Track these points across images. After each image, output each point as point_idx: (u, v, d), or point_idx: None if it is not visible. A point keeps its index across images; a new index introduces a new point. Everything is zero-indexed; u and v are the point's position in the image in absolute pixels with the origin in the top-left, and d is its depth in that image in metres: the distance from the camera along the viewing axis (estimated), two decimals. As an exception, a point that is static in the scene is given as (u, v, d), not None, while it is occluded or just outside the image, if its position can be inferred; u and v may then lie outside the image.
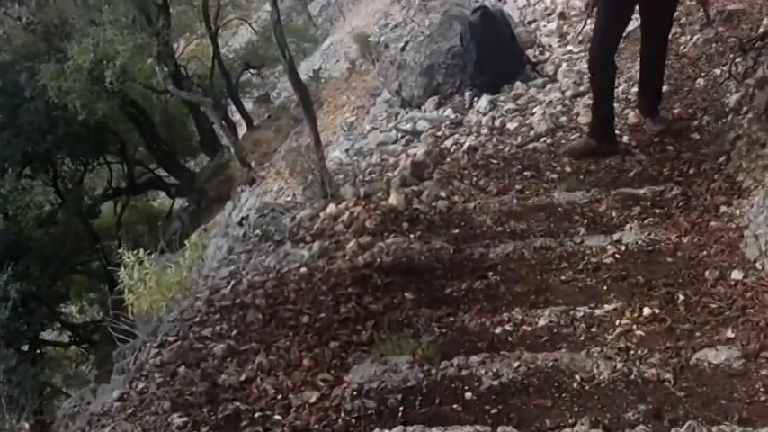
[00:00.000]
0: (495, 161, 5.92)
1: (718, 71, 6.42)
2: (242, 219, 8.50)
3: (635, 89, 6.69)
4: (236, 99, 16.94)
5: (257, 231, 5.54)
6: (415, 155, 6.16)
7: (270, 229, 5.50)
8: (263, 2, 25.93)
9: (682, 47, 7.15)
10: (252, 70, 18.19)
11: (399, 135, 6.82)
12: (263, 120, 16.87)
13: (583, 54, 7.56)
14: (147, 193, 19.52)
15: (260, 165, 11.77)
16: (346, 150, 7.05)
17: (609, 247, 4.48)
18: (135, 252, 6.06)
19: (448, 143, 6.36)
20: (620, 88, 6.76)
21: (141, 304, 5.61)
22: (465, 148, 6.13)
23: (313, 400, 3.52)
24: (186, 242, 6.73)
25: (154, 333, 4.32)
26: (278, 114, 15.29)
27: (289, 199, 6.93)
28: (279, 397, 3.58)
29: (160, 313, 5.06)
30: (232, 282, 4.69)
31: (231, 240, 6.14)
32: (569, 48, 7.81)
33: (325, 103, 12.07)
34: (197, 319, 4.28)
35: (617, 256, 4.39)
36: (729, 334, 3.49)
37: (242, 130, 16.94)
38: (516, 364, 3.44)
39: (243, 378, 3.71)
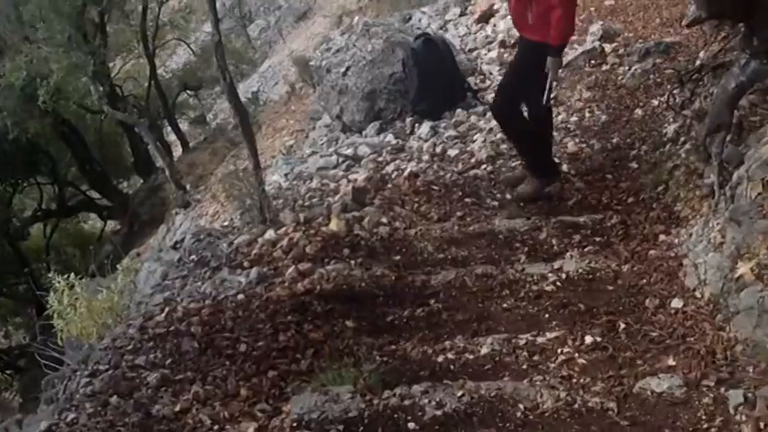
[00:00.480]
0: (436, 187, 5.90)
1: (655, 102, 6.53)
2: (176, 243, 8.33)
3: (574, 118, 6.77)
4: (172, 120, 16.73)
5: (193, 256, 5.40)
6: (356, 180, 6.10)
7: (206, 254, 5.36)
8: (202, 23, 25.79)
9: (620, 77, 7.26)
10: (189, 91, 17.99)
11: (340, 160, 6.75)
12: (199, 142, 16.68)
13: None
14: (78, 215, 19.09)
15: (195, 188, 11.59)
16: (285, 174, 6.96)
17: (550, 274, 4.48)
18: (65, 276, 5.86)
19: (389, 169, 6.32)
20: (560, 117, 6.83)
21: (71, 330, 5.43)
22: (406, 173, 6.10)
23: (251, 431, 3.41)
24: (118, 266, 6.54)
25: (85, 361, 4.16)
26: (214, 137, 15.13)
27: (226, 223, 6.80)
28: (215, 428, 3.46)
29: (91, 340, 4.89)
30: (167, 308, 4.54)
31: (166, 265, 5.98)
32: (509, 76, 7.85)
33: (263, 126, 11.97)
34: (130, 347, 4.13)
35: (558, 283, 4.39)
36: (671, 362, 3.50)
37: (177, 151, 16.71)
38: (460, 394, 3.39)
39: (178, 408, 3.58)
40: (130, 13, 14.75)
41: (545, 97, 5.33)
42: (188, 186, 11.71)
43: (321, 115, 9.05)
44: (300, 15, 26.89)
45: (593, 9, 9.19)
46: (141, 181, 16.97)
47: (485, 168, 6.10)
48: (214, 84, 18.06)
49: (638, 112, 6.55)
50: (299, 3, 28.03)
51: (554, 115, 6.85)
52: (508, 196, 5.67)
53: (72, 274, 5.88)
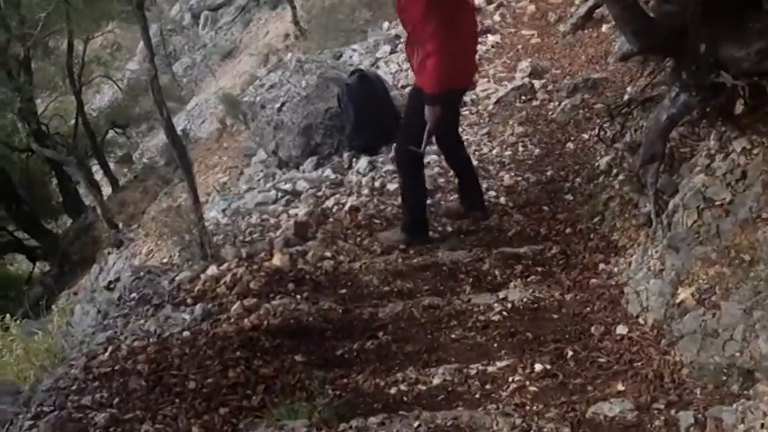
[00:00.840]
0: (377, 221, 5.94)
1: (586, 135, 6.72)
2: (110, 283, 8.17)
3: (508, 152, 6.92)
4: (100, 158, 16.41)
5: (134, 294, 5.30)
6: (296, 215, 6.10)
7: (147, 291, 5.27)
8: (128, 60, 25.52)
9: (550, 112, 7.44)
10: (117, 129, 17.74)
11: (279, 195, 6.73)
12: (129, 180, 16.42)
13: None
14: (4, 257, 18.51)
15: (128, 226, 11.40)
16: (223, 210, 6.90)
17: (495, 304, 4.55)
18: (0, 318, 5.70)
19: (329, 203, 6.33)
20: (494, 151, 6.96)
21: (8, 373, 5.26)
22: (347, 208, 6.12)
23: (206, 469, 3.36)
24: (54, 307, 6.38)
25: (26, 404, 4.03)
26: (145, 175, 14.92)
27: (165, 260, 6.70)
28: (169, 467, 3.40)
29: (29, 382, 4.74)
30: (110, 347, 4.45)
31: (105, 304, 5.86)
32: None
33: (195, 164, 11.85)
34: (74, 388, 4.03)
35: (504, 313, 4.46)
36: (620, 387, 3.58)
37: (107, 190, 16.41)
38: (416, 424, 3.40)
39: (128, 449, 3.50)
40: (55, 49, 14.52)
41: (423, 145, 5.30)
42: (120, 225, 11.51)
43: (255, 151, 9.01)
44: (226, 53, 26.85)
45: (520, 47, 9.43)
46: (70, 221, 16.56)
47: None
48: (141, 122, 17.88)
49: (570, 145, 6.73)
50: (225, 41, 28.02)
51: (489, 150, 7.03)
52: (449, 228, 5.75)
53: (8, 316, 5.72)
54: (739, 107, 4.34)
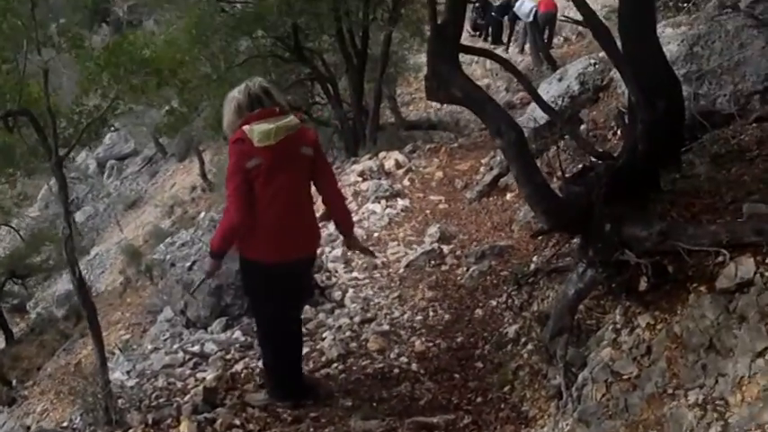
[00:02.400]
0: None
1: (494, 302, 6.86)
2: (-1, 445, 7.71)
3: (419, 317, 6.98)
4: (-5, 310, 15.86)
5: (28, 462, 5.02)
6: (204, 379, 5.95)
7: (44, 459, 5.01)
8: (28, 207, 25.00)
9: (459, 278, 7.61)
10: (15, 279, 17.21)
11: (186, 357, 6.55)
12: (25, 333, 15.79)
13: (368, 281, 7.85)
14: None
15: (21, 383, 10.86)
16: (128, 372, 6.67)
17: (409, 477, 4.49)
18: None
19: (238, 367, 6.20)
20: (406, 316, 7.02)
21: None
22: (257, 373, 6.01)
23: None
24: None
25: None
26: (42, 328, 14.37)
27: (64, 424, 6.37)
28: None
29: None
30: None
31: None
32: (355, 274, 8.07)
33: (96, 319, 11.53)
34: None
35: (418, 487, 4.39)
36: None
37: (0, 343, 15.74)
38: None
39: None
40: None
41: (193, 288, 5.36)
42: (13, 381, 10.97)
43: (161, 309, 8.85)
44: (130, 204, 26.75)
45: (428, 212, 9.73)
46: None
47: (335, 367, 6.11)
48: (40, 271, 17.41)
49: (479, 311, 6.84)
50: (130, 191, 27.94)
51: (400, 314, 7.09)
52: (362, 395, 5.68)
53: None
54: (643, 284, 4.53)
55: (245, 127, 4.65)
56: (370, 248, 6.88)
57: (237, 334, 6.93)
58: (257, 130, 4.62)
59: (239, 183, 4.67)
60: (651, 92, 4.82)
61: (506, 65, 5.56)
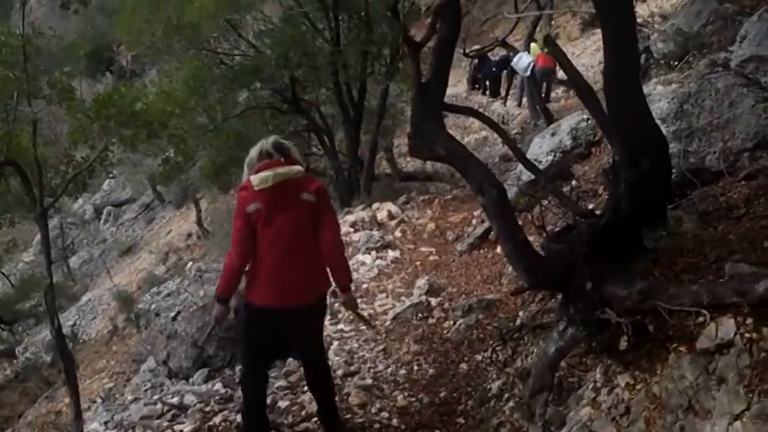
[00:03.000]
0: (266, 442, 5.73)
1: (479, 357, 6.78)
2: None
3: (403, 371, 6.90)
4: (-17, 358, 15.76)
5: None
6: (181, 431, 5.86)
7: None
8: (23, 251, 24.98)
9: (446, 331, 7.54)
10: (3, 326, 17.11)
11: (165, 409, 6.46)
12: (9, 379, 15.65)
13: (353, 333, 7.77)
14: None
15: (1, 431, 10.72)
16: (105, 423, 6.57)
17: None
18: None
19: (217, 419, 6.10)
20: (389, 369, 6.94)
21: None
22: (235, 426, 5.92)
23: None
24: None
25: None
26: (26, 374, 14.25)
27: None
28: None
29: None
30: None
31: None
32: (341, 326, 8.00)
33: (81, 366, 11.44)
34: None
35: None
36: None
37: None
38: None
39: None
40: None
41: (203, 337, 5.37)
42: (-6, 430, 10.85)
43: (145, 358, 8.77)
44: (126, 250, 26.74)
45: (418, 263, 9.69)
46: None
47: (316, 422, 6.02)
48: (28, 317, 17.32)
49: (464, 366, 6.76)
50: (126, 237, 27.95)
51: (384, 367, 7.01)
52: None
53: None
54: (623, 343, 4.48)
55: (252, 176, 4.89)
56: (366, 316, 6.74)
57: (218, 386, 6.85)
58: (257, 178, 4.84)
59: (241, 226, 4.87)
60: (635, 151, 4.82)
61: (491, 124, 5.59)
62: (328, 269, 5.18)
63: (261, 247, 4.88)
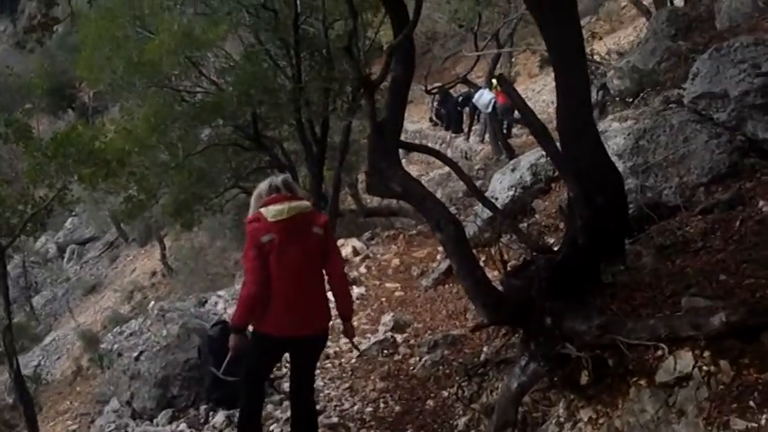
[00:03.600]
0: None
1: (446, 393, 6.79)
2: None
3: (369, 409, 6.90)
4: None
5: None
6: (145, 475, 5.81)
7: None
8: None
9: (412, 368, 7.54)
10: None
11: (129, 451, 6.44)
12: (-34, 422, 15.33)
13: (319, 371, 7.74)
14: None
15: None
16: (69, 467, 6.52)
17: None
18: None
19: (182, 461, 6.09)
20: (356, 407, 6.93)
21: None
22: (199, 467, 5.89)
23: None
24: None
25: None
26: (-14, 417, 13.96)
27: None
28: None
29: None
30: None
31: None
32: (305, 364, 7.97)
33: (45, 408, 11.27)
34: None
35: None
36: None
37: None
38: None
39: None
40: None
41: (221, 368, 5.57)
42: (-50, 477, 10.61)
43: (109, 398, 8.68)
44: (90, 288, 26.45)
45: (384, 299, 9.70)
46: None
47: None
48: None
49: (430, 402, 6.77)
50: (90, 276, 27.66)
51: (350, 405, 7.00)
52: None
53: None
54: (585, 378, 4.55)
55: (261, 209, 5.05)
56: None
57: (183, 426, 6.82)
58: (272, 210, 5.01)
59: (254, 256, 4.99)
60: (590, 188, 4.91)
61: (447, 161, 5.67)
62: (334, 299, 5.39)
63: (273, 277, 5.01)
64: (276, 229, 4.97)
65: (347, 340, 8.40)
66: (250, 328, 5.24)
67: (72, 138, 6.75)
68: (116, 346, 7.95)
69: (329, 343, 8.02)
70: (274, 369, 7.76)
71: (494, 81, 18.52)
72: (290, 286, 5.05)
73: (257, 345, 5.26)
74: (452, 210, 11.86)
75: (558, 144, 5.18)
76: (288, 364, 7.96)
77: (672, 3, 13.83)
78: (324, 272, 5.26)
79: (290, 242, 5.01)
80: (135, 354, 7.73)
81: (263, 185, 5.22)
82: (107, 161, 6.86)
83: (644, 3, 15.30)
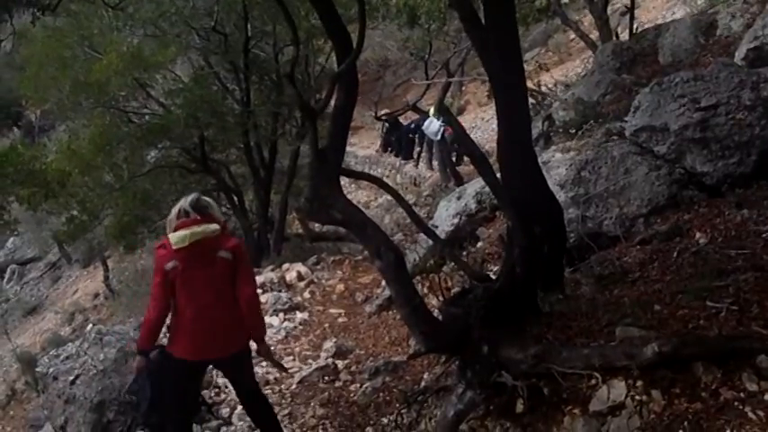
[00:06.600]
0: None
1: (386, 420, 6.76)
2: None
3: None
4: None
5: None
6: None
7: None
8: None
9: (352, 394, 7.51)
10: None
11: (60, 478, 6.28)
12: None
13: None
14: None
15: None
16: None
17: None
18: None
19: (115, 489, 5.96)
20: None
21: None
22: (132, 495, 5.78)
23: None
24: None
25: None
26: None
27: None
28: None
29: None
30: None
31: None
32: (244, 391, 7.89)
33: (-25, 434, 10.96)
34: None
35: None
36: None
37: None
38: None
39: None
40: None
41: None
42: None
43: (43, 423, 8.46)
44: (30, 309, 25.89)
45: (327, 325, 9.66)
46: None
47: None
48: None
49: (370, 430, 6.73)
50: (29, 296, 27.08)
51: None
52: None
53: None
54: (520, 406, 4.57)
55: (170, 234, 5.15)
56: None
57: (118, 453, 6.68)
58: (175, 237, 5.10)
59: (158, 282, 5.15)
60: (528, 217, 4.97)
61: (389, 190, 5.70)
62: (246, 322, 5.38)
63: (179, 304, 5.17)
64: (179, 256, 5.09)
65: (288, 366, 8.43)
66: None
67: (11, 158, 6.64)
68: (51, 369, 7.74)
69: (269, 369, 7.98)
70: (213, 395, 7.73)
71: (430, 110, 18.50)
72: (195, 312, 5.18)
73: (174, 368, 5.44)
74: (399, 236, 11.95)
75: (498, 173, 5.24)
76: (227, 390, 7.92)
77: (618, 37, 14.08)
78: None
79: (194, 268, 5.13)
80: (71, 377, 7.55)
81: (174, 209, 5.28)
82: (47, 182, 6.75)
83: (590, 36, 15.56)
